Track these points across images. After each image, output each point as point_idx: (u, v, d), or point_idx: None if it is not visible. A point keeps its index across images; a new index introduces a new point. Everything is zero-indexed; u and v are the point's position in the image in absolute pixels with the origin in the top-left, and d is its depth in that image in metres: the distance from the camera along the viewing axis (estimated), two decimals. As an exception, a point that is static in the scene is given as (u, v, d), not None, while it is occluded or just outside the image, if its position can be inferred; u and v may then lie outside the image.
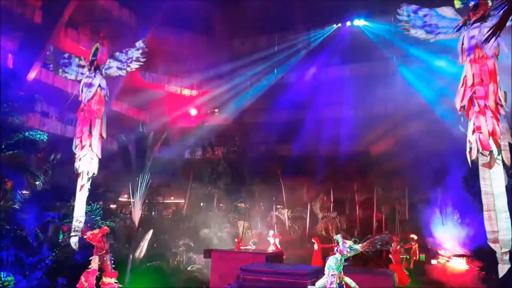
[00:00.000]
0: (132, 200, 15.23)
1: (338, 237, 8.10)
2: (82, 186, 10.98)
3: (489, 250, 11.80)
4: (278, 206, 20.28)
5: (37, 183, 14.37)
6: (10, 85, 14.10)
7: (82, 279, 9.56)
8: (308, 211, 20.11)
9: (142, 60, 11.66)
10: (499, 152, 7.19)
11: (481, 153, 7.24)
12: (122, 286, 10.36)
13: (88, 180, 10.95)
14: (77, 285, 9.58)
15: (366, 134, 21.42)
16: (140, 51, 11.69)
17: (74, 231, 10.86)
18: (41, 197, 12.99)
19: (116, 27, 25.44)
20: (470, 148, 7.52)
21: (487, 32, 5.90)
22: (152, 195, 18.63)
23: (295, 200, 20.82)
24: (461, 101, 7.73)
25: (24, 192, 13.46)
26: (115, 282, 10.08)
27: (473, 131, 7.42)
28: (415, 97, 21.57)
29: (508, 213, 7.08)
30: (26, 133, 13.23)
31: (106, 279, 9.98)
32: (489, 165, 7.20)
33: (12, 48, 21.63)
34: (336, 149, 22.40)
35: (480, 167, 7.43)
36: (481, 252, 12.10)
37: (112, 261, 10.07)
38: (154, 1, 25.44)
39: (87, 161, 10.87)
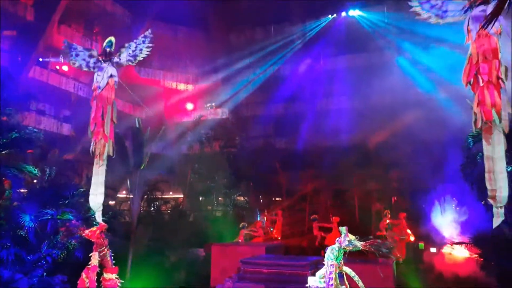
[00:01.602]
0: (130, 196, 15.23)
1: (343, 229, 8.12)
2: (98, 167, 11.56)
3: (487, 237, 11.93)
4: (278, 199, 20.32)
5: (35, 181, 14.34)
6: (5, 84, 14.01)
7: (83, 275, 9.54)
8: (307, 202, 20.15)
9: (149, 51, 12.13)
10: (500, 121, 8.21)
11: (485, 122, 8.29)
12: (123, 282, 10.37)
13: (104, 161, 11.55)
14: (78, 282, 9.58)
15: (364, 125, 21.40)
16: (148, 45, 12.16)
17: (95, 204, 11.36)
18: (40, 195, 12.96)
19: (110, 23, 25.25)
20: (475, 119, 8.48)
21: (484, 19, 6.49)
22: (150, 190, 18.63)
23: (294, 192, 20.86)
24: (467, 77, 8.64)
25: (22, 190, 13.42)
26: (116, 278, 10.09)
27: (478, 104, 8.39)
28: (412, 87, 21.57)
29: (505, 174, 8.16)
30: (22, 131, 13.15)
31: (107, 275, 9.98)
32: (491, 132, 8.33)
33: (5, 47, 21.46)
34: (334, 141, 22.41)
35: (483, 134, 8.45)
36: (479, 240, 12.21)
37: (112, 257, 10.07)
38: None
39: (102, 144, 11.58)
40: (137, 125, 16.99)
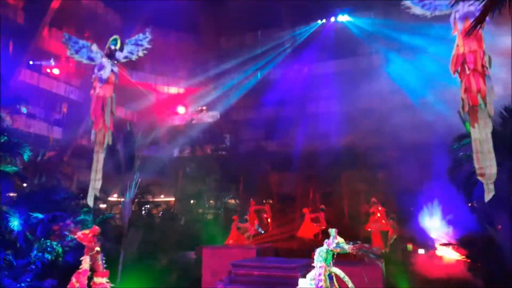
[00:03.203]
0: (122, 199, 15.22)
1: (332, 231, 8.23)
2: (98, 155, 12.50)
3: (474, 239, 12.16)
4: (269, 201, 20.41)
5: (24, 185, 14.26)
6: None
7: (73, 280, 9.51)
8: (297, 204, 20.27)
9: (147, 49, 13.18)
10: (485, 106, 8.95)
11: (471, 107, 9.04)
12: (113, 286, 10.37)
13: (104, 150, 12.46)
14: (68, 286, 9.55)
15: (353, 128, 21.66)
16: (146, 46, 13.22)
17: (93, 189, 12.43)
18: (29, 199, 12.90)
19: (101, 27, 25.20)
20: (463, 104, 9.17)
21: (470, 24, 7.83)
22: (141, 194, 18.62)
23: (284, 195, 20.98)
24: (455, 66, 9.34)
25: (11, 194, 13.35)
26: (106, 282, 10.07)
27: (464, 90, 9.12)
28: (400, 91, 21.88)
29: (493, 154, 8.88)
30: (12, 135, 13.11)
31: (97, 279, 9.94)
32: (477, 116, 9.04)
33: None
34: (323, 143, 22.62)
35: (470, 118, 9.15)
36: (466, 241, 12.43)
37: (104, 261, 10.06)
38: (139, 0, 25.26)
39: (102, 134, 12.41)
40: (128, 129, 17.02)
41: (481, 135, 8.97)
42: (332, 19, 26.06)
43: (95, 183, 12.34)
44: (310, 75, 26.24)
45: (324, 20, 26.36)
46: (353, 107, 23.64)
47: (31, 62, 22.89)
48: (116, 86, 13.10)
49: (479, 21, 6.62)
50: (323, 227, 17.05)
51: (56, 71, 24.60)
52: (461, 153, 12.54)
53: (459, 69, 9.33)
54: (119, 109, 27.23)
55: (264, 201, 18.56)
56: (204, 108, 30.04)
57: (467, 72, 9.09)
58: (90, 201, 12.49)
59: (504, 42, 15.61)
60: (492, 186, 8.93)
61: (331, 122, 23.07)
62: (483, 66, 9.03)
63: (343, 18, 25.58)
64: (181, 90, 30.37)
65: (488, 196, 9.05)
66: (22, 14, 21.61)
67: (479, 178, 9.10)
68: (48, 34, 23.04)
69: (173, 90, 30.30)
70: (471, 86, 9.01)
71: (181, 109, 29.71)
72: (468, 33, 8.73)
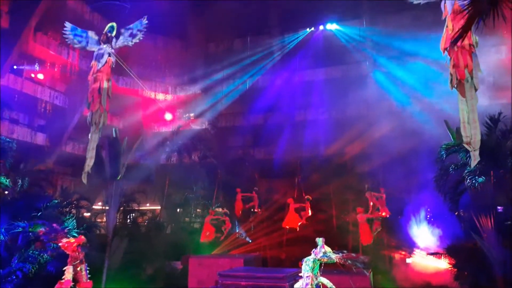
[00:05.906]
0: (106, 207, 14.97)
1: (320, 240, 8.18)
2: (93, 135, 13.15)
3: (460, 247, 12.24)
4: (257, 210, 20.25)
5: (6, 192, 13.94)
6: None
7: (55, 291, 9.30)
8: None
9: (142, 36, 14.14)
10: (472, 79, 9.74)
11: (459, 81, 9.82)
12: (97, 296, 10.13)
13: (100, 130, 13.15)
14: (50, 297, 9.32)
15: (340, 136, 21.71)
16: (142, 31, 14.11)
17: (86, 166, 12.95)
18: (11, 207, 12.59)
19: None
20: (451, 79, 9.90)
21: (456, 31, 8.43)
22: (126, 202, 18.32)
23: (272, 203, 20.87)
24: (444, 45, 10.21)
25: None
26: (89, 292, 9.84)
27: (453, 66, 9.92)
28: (387, 99, 22.06)
29: (478, 123, 9.67)
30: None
31: (80, 290, 9.72)
32: (464, 89, 9.79)
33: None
34: (311, 152, 22.64)
35: (458, 91, 9.89)
36: (453, 250, 12.50)
37: (87, 271, 9.84)
38: (125, 5, 25.08)
39: (98, 115, 13.10)
40: (114, 135, 16.75)
41: (468, 106, 9.68)
42: (321, 27, 26.20)
43: (87, 161, 12.95)
44: (299, 83, 26.28)
45: (312, 28, 26.49)
46: (341, 115, 23.74)
47: (15, 67, 22.49)
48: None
49: (464, 30, 6.90)
50: (308, 215, 17.18)
51: (40, 76, 24.21)
52: (447, 162, 12.65)
53: (448, 48, 10.10)
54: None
55: (255, 188, 19.00)
56: (191, 114, 29.83)
57: (455, 49, 9.83)
58: (84, 179, 13.03)
59: (490, 51, 15.95)
60: (477, 153, 9.61)
61: (319, 130, 23.12)
62: (470, 45, 9.78)
63: (332, 26, 25.75)
64: (169, 96, 30.10)
65: (474, 162, 9.74)
66: (7, 18, 21.22)
67: (465, 145, 9.82)
68: (33, 39, 22.67)
69: (160, 96, 30.02)
70: (459, 62, 9.74)
71: (168, 116, 29.41)
72: (454, 43, 9.22)
